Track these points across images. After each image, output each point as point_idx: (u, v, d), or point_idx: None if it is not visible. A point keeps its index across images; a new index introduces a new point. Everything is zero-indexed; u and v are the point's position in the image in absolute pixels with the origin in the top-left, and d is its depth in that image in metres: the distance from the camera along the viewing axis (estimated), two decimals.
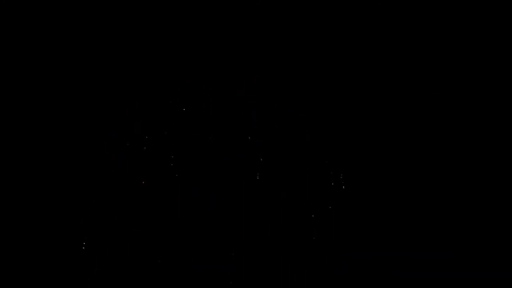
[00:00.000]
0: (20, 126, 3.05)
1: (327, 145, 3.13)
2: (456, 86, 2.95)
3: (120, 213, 3.14)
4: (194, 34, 3.17)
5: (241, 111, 3.18)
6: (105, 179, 3.14)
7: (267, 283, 2.99)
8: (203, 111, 3.21)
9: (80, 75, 3.09)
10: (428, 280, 2.72)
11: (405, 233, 2.84)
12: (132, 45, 3.12)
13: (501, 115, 2.85)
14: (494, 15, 2.90)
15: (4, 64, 3.00)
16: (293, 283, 3.01)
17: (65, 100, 3.07)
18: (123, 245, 3.10)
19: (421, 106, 2.98)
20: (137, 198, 3.17)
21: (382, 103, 3.02)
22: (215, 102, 3.21)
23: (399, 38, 3.04)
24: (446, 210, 2.85)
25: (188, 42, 3.18)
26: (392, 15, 3.03)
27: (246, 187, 3.17)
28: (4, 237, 2.96)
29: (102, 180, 3.15)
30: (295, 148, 3.16)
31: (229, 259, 3.06)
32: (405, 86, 3.02)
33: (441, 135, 2.92)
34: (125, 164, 3.19)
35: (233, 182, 3.18)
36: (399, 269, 2.76)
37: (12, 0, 2.92)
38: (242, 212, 3.13)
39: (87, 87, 3.09)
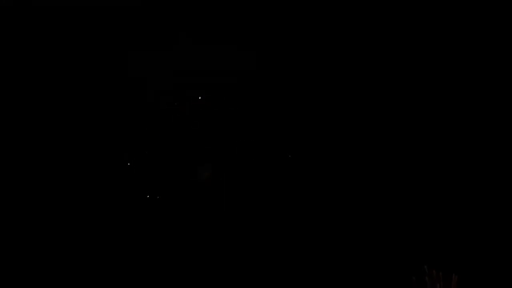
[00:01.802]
0: (19, 125, 3.04)
1: (325, 145, 3.14)
2: (456, 86, 2.97)
3: (120, 213, 3.13)
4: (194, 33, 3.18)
5: (241, 112, 3.19)
6: (106, 177, 3.14)
7: (272, 283, 3.00)
8: (203, 111, 3.22)
9: (80, 76, 3.08)
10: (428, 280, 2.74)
11: (406, 233, 2.86)
12: (133, 45, 3.12)
13: (501, 115, 2.87)
14: (494, 15, 2.91)
15: (4, 64, 2.99)
16: (293, 283, 3.03)
17: (65, 100, 3.06)
18: (123, 245, 3.09)
19: (421, 106, 2.99)
20: (137, 198, 3.17)
21: (382, 103, 3.04)
22: (216, 102, 3.21)
23: (399, 38, 3.05)
24: (446, 210, 2.87)
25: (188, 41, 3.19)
26: (392, 15, 3.05)
27: (245, 187, 3.18)
28: (3, 237, 2.95)
29: (105, 177, 3.15)
30: (292, 149, 3.17)
31: (231, 258, 3.06)
32: (405, 86, 3.03)
33: (441, 134, 2.94)
34: (128, 162, 3.19)
35: (233, 181, 3.19)
36: (400, 269, 2.78)
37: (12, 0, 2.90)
38: (242, 212, 3.14)
39: (87, 87, 3.08)
